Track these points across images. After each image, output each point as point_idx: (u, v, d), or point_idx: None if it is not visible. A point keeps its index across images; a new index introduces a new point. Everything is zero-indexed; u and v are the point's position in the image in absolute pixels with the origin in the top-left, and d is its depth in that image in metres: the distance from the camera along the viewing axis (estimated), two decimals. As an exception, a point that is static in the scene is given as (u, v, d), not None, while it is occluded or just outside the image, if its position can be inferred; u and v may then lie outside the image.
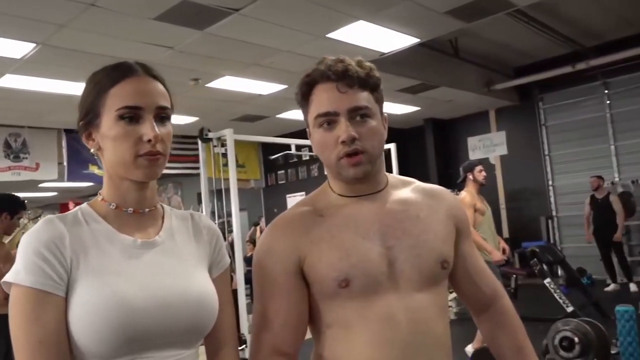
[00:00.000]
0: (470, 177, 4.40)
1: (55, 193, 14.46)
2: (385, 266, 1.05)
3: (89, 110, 0.97)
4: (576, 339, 3.48)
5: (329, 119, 1.06)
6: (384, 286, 1.05)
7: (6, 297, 0.88)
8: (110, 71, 0.97)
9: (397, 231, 1.08)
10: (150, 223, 1.01)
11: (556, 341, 3.56)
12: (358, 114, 1.05)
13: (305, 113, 1.13)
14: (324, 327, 1.10)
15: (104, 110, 0.95)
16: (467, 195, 4.33)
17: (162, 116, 0.97)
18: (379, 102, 1.11)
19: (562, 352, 3.52)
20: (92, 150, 0.98)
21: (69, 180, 7.91)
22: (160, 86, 0.99)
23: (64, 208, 16.78)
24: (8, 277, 0.88)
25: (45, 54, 5.03)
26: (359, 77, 1.06)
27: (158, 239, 1.00)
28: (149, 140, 0.93)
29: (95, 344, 0.86)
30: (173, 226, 1.04)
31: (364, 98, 1.06)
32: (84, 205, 0.99)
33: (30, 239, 0.89)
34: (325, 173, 1.18)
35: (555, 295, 5.04)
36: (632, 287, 6.76)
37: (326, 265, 1.05)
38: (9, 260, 3.42)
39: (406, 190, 1.17)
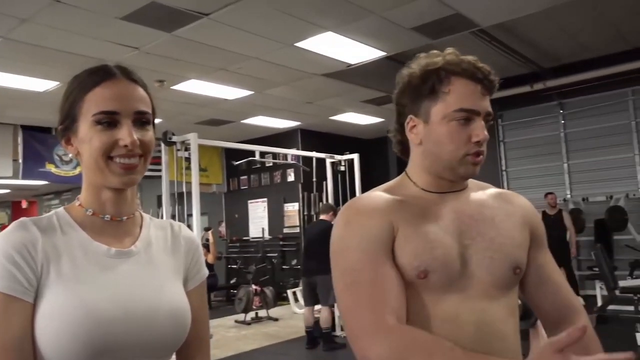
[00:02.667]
0: None
1: (8, 190, 13.96)
2: (459, 265, 1.03)
3: (67, 115, 0.94)
4: None
5: (469, 116, 1.07)
6: (455, 285, 1.02)
7: None
8: (88, 75, 0.94)
9: (472, 231, 1.07)
10: (128, 231, 0.99)
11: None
12: (488, 119, 1.10)
13: (433, 100, 1.08)
14: None
15: (80, 115, 0.92)
16: None
17: (142, 121, 0.94)
18: None
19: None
20: (70, 156, 0.96)
21: (24, 177, 7.69)
22: (140, 90, 0.96)
23: (16, 206, 16.24)
24: None
25: (5, 48, 4.90)
26: (494, 84, 1.10)
27: (134, 249, 0.97)
28: (125, 146, 0.90)
29: (60, 354, 0.83)
30: (151, 236, 1.02)
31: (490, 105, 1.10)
32: (61, 209, 0.97)
33: (2, 243, 0.86)
34: (407, 167, 1.16)
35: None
36: (579, 300, 6.97)
37: (410, 252, 1.02)
38: None
39: (482, 193, 1.17)
